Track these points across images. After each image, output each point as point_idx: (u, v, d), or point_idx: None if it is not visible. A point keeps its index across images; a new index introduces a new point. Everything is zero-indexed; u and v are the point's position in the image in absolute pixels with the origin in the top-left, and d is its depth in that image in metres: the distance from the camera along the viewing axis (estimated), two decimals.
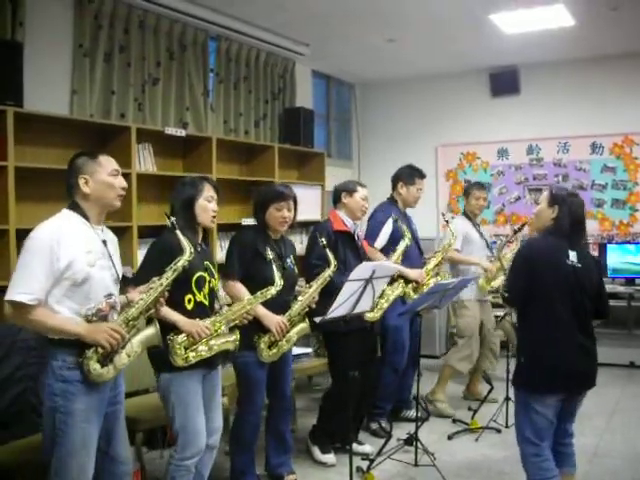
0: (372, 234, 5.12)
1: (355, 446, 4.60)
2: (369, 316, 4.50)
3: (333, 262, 4.02)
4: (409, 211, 5.48)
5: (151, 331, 2.96)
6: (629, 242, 7.65)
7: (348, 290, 3.77)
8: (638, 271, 7.33)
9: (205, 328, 3.27)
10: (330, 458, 4.63)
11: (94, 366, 2.78)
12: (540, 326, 3.35)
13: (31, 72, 4.61)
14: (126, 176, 4.97)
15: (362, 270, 3.85)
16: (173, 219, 3.13)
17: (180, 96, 6.10)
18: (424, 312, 4.72)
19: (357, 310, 3.97)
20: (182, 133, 5.65)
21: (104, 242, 2.96)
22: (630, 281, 7.36)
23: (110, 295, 2.93)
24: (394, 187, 5.40)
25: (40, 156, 4.69)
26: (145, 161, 5.41)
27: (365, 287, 3.86)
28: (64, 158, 4.71)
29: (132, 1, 5.45)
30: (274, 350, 3.88)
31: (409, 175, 5.34)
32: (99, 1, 5.25)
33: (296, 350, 5.45)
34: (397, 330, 5.12)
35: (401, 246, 4.88)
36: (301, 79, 7.80)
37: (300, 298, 3.96)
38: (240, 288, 3.82)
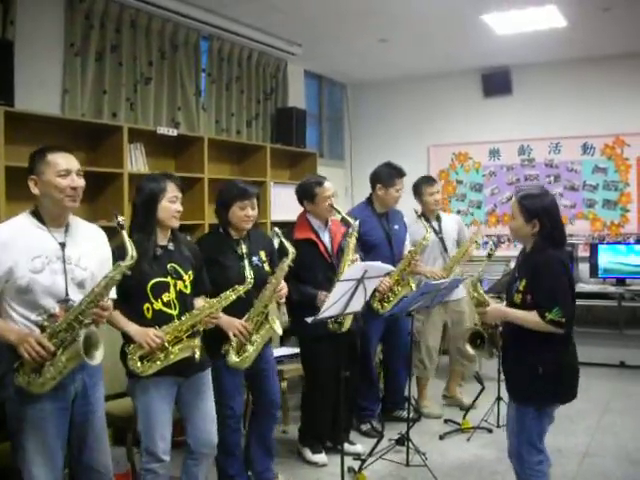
0: None
1: (347, 446, 4.59)
2: (381, 310, 4.58)
3: (291, 249, 3.81)
4: (402, 209, 5.44)
5: (76, 346, 2.70)
6: (620, 242, 7.67)
7: (340, 290, 3.77)
8: (629, 271, 7.35)
9: (155, 337, 3.12)
10: (321, 458, 4.63)
11: (21, 377, 2.73)
12: (561, 338, 3.26)
13: (22, 71, 4.59)
14: (118, 176, 5.04)
15: (354, 270, 3.85)
16: (121, 218, 2.87)
17: (172, 96, 6.09)
18: (415, 312, 4.73)
19: (349, 310, 3.96)
20: (174, 133, 5.64)
21: (62, 245, 2.85)
22: (621, 281, 7.38)
23: (66, 300, 2.81)
24: (372, 188, 5.24)
25: (29, 156, 4.66)
26: (137, 161, 5.40)
27: (357, 287, 3.86)
28: None
29: (124, 0, 5.44)
30: (243, 355, 3.74)
31: (388, 176, 5.14)
32: (90, 0, 5.23)
33: (287, 351, 5.46)
34: (367, 338, 5.08)
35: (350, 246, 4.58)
36: (293, 79, 7.79)
37: (260, 295, 3.76)
38: (199, 302, 3.58)
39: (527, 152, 8.33)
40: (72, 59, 5.15)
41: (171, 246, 3.40)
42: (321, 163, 7.78)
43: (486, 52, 7.61)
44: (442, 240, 5.58)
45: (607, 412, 5.68)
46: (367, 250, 4.85)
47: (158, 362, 3.18)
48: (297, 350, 5.36)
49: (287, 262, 3.78)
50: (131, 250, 2.81)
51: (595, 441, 5.01)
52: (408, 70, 8.49)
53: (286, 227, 4.51)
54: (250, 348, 3.75)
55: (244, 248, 3.88)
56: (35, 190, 2.83)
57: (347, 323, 4.39)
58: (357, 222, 4.52)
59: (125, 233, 2.86)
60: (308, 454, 4.68)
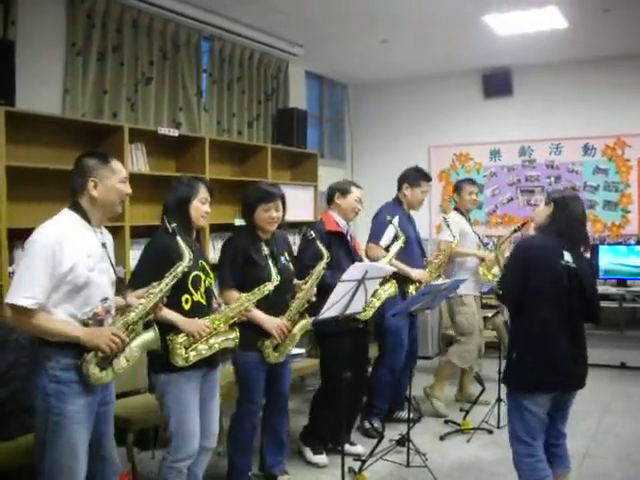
0: (377, 232, 5.12)
1: (347, 447, 4.60)
2: (362, 315, 4.49)
3: (325, 254, 4.04)
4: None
5: (150, 335, 2.96)
6: (621, 243, 7.67)
7: (341, 291, 3.77)
8: (630, 272, 7.35)
9: (204, 327, 3.28)
10: (322, 459, 4.64)
11: (93, 370, 2.78)
12: (532, 324, 3.37)
13: (23, 71, 4.58)
14: None
15: (355, 271, 3.86)
16: (174, 225, 3.17)
17: (173, 96, 6.09)
18: (418, 313, 4.74)
19: (349, 311, 3.97)
20: (175, 133, 5.64)
21: (104, 245, 2.96)
22: (622, 282, 7.39)
23: (106, 299, 2.92)
24: (399, 188, 5.40)
25: (32, 155, 4.67)
26: (138, 161, 5.39)
27: (357, 288, 3.86)
28: (56, 157, 4.76)
29: (125, 1, 5.43)
30: (279, 351, 3.90)
31: (414, 177, 5.34)
32: (92, 0, 5.23)
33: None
34: (397, 330, 5.12)
35: (395, 247, 4.88)
36: (294, 80, 7.79)
37: (297, 295, 3.96)
38: (235, 295, 3.74)
39: (528, 153, 8.33)
40: (73, 59, 5.15)
41: (197, 245, 3.57)
42: (322, 164, 7.77)
43: (487, 53, 7.61)
44: (478, 236, 5.95)
45: (608, 413, 5.69)
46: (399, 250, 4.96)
47: (203, 351, 3.30)
48: (299, 350, 5.38)
49: (322, 265, 4.01)
50: (188, 253, 3.13)
51: (596, 442, 5.01)
52: (409, 71, 8.49)
53: (288, 227, 4.55)
54: (290, 344, 3.95)
55: (271, 248, 3.98)
56: (94, 192, 2.91)
57: (370, 312, 4.52)
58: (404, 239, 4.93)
59: (179, 238, 3.15)
60: (309, 454, 4.68)
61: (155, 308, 3.00)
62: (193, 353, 3.27)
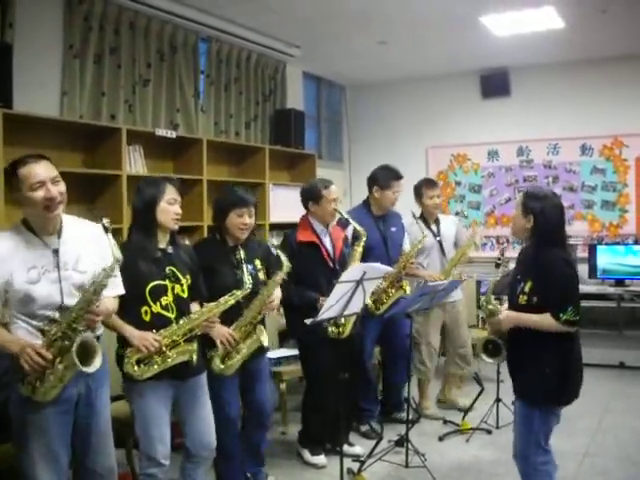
0: None
1: (346, 448, 4.59)
2: (377, 312, 4.55)
3: (285, 264, 3.81)
4: (400, 211, 5.45)
5: (70, 356, 2.66)
6: (619, 243, 7.67)
7: (339, 292, 3.77)
8: (627, 272, 7.36)
9: (153, 341, 3.13)
10: (320, 459, 4.63)
11: (23, 388, 2.73)
12: (566, 338, 3.28)
13: (21, 73, 4.59)
14: (116, 178, 5.05)
15: (353, 272, 3.85)
16: (105, 220, 2.80)
17: (171, 97, 6.09)
18: (414, 314, 4.73)
19: (348, 312, 3.96)
20: (172, 135, 5.65)
21: (55, 252, 2.83)
22: (620, 282, 7.39)
23: (61, 308, 2.79)
24: (369, 190, 5.26)
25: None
26: (135, 163, 5.40)
27: (356, 288, 3.86)
28: (54, 160, 4.71)
29: (122, 2, 5.44)
30: (228, 363, 3.73)
31: (384, 179, 5.16)
32: (89, 2, 5.24)
33: (285, 352, 5.45)
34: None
35: (357, 249, 4.66)
36: (292, 81, 7.80)
37: (251, 305, 3.76)
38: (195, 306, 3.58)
39: (526, 153, 8.34)
40: (71, 61, 5.15)
41: (170, 249, 3.39)
42: (320, 165, 7.78)
43: (484, 53, 7.62)
44: (440, 243, 5.56)
45: (607, 413, 5.68)
46: (363, 252, 4.80)
47: (155, 366, 3.18)
48: (296, 352, 5.36)
49: (281, 275, 3.79)
50: (116, 252, 2.76)
51: (595, 442, 5.01)
52: (407, 72, 8.50)
53: (285, 229, 4.52)
54: (236, 357, 3.74)
55: (241, 255, 3.86)
56: (18, 203, 2.83)
57: (347, 329, 4.39)
58: (364, 231, 4.63)
59: (110, 235, 2.79)
60: (307, 455, 4.68)
61: (81, 319, 2.73)
62: (146, 367, 3.16)
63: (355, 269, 3.89)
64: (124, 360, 3.16)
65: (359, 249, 4.57)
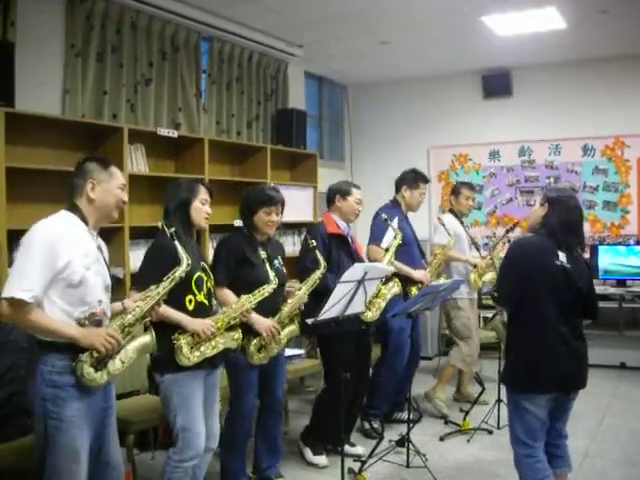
0: (378, 234, 5.10)
1: (347, 448, 4.60)
2: (369, 316, 4.49)
3: (323, 264, 4.06)
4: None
5: (147, 339, 2.96)
6: (620, 244, 7.67)
7: (340, 291, 3.77)
8: (629, 273, 7.36)
9: (210, 326, 3.33)
10: (322, 459, 4.63)
11: (87, 370, 2.76)
12: (530, 325, 3.36)
13: (23, 72, 4.59)
14: None
15: (354, 271, 3.85)
16: (173, 229, 3.16)
17: (172, 97, 6.09)
18: (418, 313, 4.74)
19: (349, 311, 3.96)
20: (174, 134, 5.64)
21: (99, 248, 2.97)
22: (621, 283, 7.39)
23: (100, 301, 2.91)
24: (397, 190, 5.40)
25: (32, 156, 4.67)
26: (137, 162, 5.40)
27: (357, 288, 3.86)
28: (56, 158, 4.76)
29: (124, 1, 5.44)
30: (263, 353, 3.88)
31: (413, 179, 5.34)
32: (91, 1, 5.24)
33: (288, 352, 5.43)
34: (400, 331, 5.12)
35: (393, 246, 4.84)
36: (294, 80, 7.80)
37: (290, 300, 3.97)
38: (227, 293, 3.82)
39: (527, 153, 8.33)
40: (73, 60, 5.15)
41: (197, 247, 3.61)
42: (321, 164, 7.78)
43: (486, 54, 7.62)
44: (471, 240, 5.86)
45: (608, 413, 5.69)
46: (399, 249, 4.91)
47: (208, 351, 3.35)
48: (298, 351, 5.39)
49: (318, 274, 4.03)
50: (186, 258, 3.11)
51: (596, 443, 5.01)
52: (408, 72, 8.50)
53: (286, 228, 4.54)
54: (275, 347, 3.92)
55: (267, 251, 3.98)
56: (92, 194, 2.92)
57: (377, 313, 4.54)
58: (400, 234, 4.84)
59: (178, 242, 3.14)
60: (309, 455, 4.68)
61: (152, 311, 3.00)
62: (197, 353, 3.31)
63: (356, 269, 3.89)
64: (175, 346, 3.25)
65: (392, 249, 4.79)
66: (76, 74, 5.16)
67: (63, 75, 5.13)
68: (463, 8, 6.00)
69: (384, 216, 4.92)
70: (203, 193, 3.53)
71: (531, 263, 3.36)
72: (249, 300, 3.58)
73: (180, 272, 3.08)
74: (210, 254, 5.63)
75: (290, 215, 6.36)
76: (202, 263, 3.49)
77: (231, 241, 4.03)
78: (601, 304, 6.97)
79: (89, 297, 2.84)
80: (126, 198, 3.06)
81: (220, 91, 6.66)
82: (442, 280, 5.03)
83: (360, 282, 3.85)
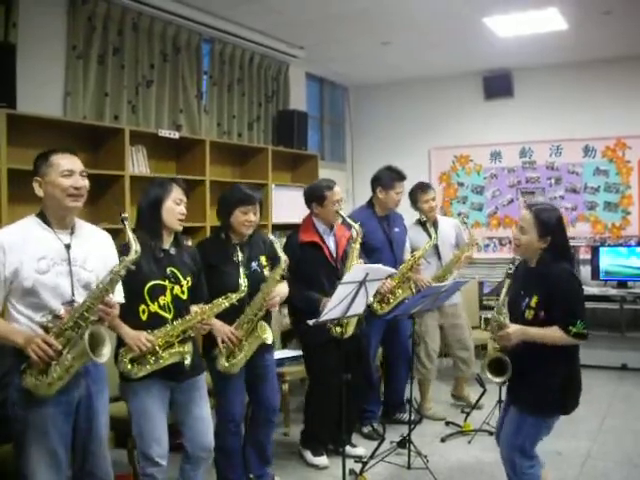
0: None
1: (348, 449, 4.59)
2: (380, 311, 4.55)
3: (283, 257, 3.79)
4: (402, 213, 5.46)
5: (82, 346, 2.69)
6: (621, 245, 7.66)
7: (341, 293, 3.77)
8: (630, 274, 7.35)
9: (146, 341, 3.13)
10: (322, 460, 4.63)
11: (28, 378, 2.72)
12: (572, 349, 3.30)
13: (24, 74, 4.60)
14: (120, 178, 5.05)
15: (355, 273, 3.85)
16: (125, 214, 2.91)
17: (174, 98, 6.09)
18: (416, 315, 4.73)
19: (351, 312, 3.96)
20: (176, 135, 5.65)
21: (67, 246, 2.87)
22: (622, 284, 7.38)
23: (71, 302, 2.82)
24: (373, 190, 5.25)
25: (33, 158, 4.65)
26: (138, 163, 5.40)
27: (359, 289, 3.86)
28: None
29: (126, 3, 5.44)
30: (232, 361, 3.74)
31: (388, 179, 5.15)
32: (93, 3, 5.24)
33: (288, 353, 5.45)
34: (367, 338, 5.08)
35: (353, 249, 4.58)
36: (295, 82, 7.80)
37: (251, 303, 3.76)
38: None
39: (528, 154, 8.33)
40: (74, 62, 5.16)
41: (173, 250, 3.40)
42: (322, 166, 7.78)
43: (487, 55, 7.62)
44: (437, 247, 5.52)
45: (609, 415, 5.68)
46: (369, 253, 4.82)
47: (148, 366, 3.19)
48: (299, 352, 5.36)
49: (279, 271, 3.80)
50: (135, 245, 2.83)
51: (597, 444, 5.01)
52: (410, 73, 8.50)
53: (287, 229, 4.51)
54: (239, 354, 3.75)
55: (243, 254, 3.86)
56: (39, 192, 2.85)
57: (350, 329, 4.40)
58: (360, 227, 4.54)
59: (129, 229, 2.88)
60: (309, 456, 4.68)
61: (95, 311, 2.76)
62: (139, 366, 3.18)
63: (358, 270, 3.89)
64: (118, 359, 3.18)
65: (356, 246, 4.52)
66: (77, 76, 5.17)
67: (64, 77, 5.14)
68: (464, 9, 6.01)
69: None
70: (177, 192, 3.37)
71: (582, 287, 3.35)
72: (204, 311, 3.32)
73: (126, 263, 2.78)
74: None
75: (291, 216, 6.39)
76: (170, 269, 3.31)
77: (202, 248, 3.83)
78: (602, 305, 7.10)
79: (48, 301, 2.78)
80: (76, 183, 2.86)
81: (221, 92, 6.67)
82: (412, 287, 5.01)
83: (361, 283, 3.85)
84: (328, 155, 9.00)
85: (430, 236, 5.38)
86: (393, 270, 4.54)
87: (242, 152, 6.74)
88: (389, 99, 9.05)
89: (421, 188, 5.61)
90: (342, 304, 3.82)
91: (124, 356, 3.16)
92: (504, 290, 3.44)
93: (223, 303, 3.41)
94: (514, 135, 8.31)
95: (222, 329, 3.70)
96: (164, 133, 5.54)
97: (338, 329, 4.25)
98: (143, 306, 3.23)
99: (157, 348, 3.19)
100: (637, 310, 7.27)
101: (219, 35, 6.42)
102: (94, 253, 2.98)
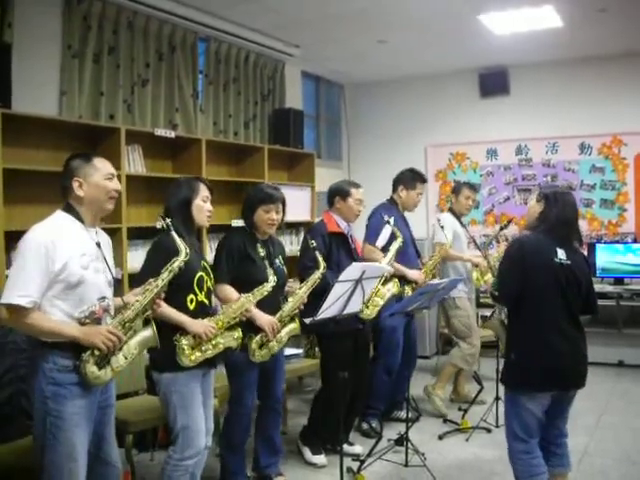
0: (373, 233, 5.09)
1: (346, 447, 4.59)
2: (366, 313, 4.51)
3: (322, 264, 4.05)
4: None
5: (148, 333, 2.97)
6: (618, 242, 7.68)
7: (338, 291, 3.78)
8: (627, 271, 7.37)
9: (211, 327, 3.33)
10: (321, 459, 4.64)
11: (91, 369, 2.78)
12: (530, 324, 3.37)
13: (20, 73, 4.59)
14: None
15: (352, 271, 3.86)
16: (168, 220, 3.15)
17: (169, 97, 6.09)
18: (415, 312, 4.74)
19: (347, 311, 3.97)
20: (172, 134, 5.64)
21: (98, 244, 2.96)
22: (619, 281, 7.40)
23: (103, 298, 2.93)
24: (394, 189, 5.40)
25: (29, 158, 4.67)
26: (134, 162, 5.39)
27: (355, 288, 3.87)
28: (53, 160, 4.76)
29: (121, 2, 5.43)
30: (265, 350, 3.87)
31: (411, 179, 5.34)
32: (88, 2, 5.23)
33: (286, 351, 5.43)
34: (392, 330, 5.12)
35: (394, 246, 4.84)
36: (291, 80, 7.79)
37: (290, 299, 3.97)
38: (228, 290, 3.82)
39: (524, 152, 8.34)
40: (69, 61, 5.14)
41: (198, 246, 3.61)
42: (319, 164, 7.78)
43: (483, 52, 7.62)
44: (471, 239, 5.93)
45: (606, 411, 5.69)
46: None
47: (209, 352, 3.35)
48: (297, 351, 5.38)
49: (318, 274, 4.00)
50: (184, 248, 3.11)
51: (594, 440, 5.02)
52: (406, 71, 8.50)
53: (286, 228, 4.53)
54: (275, 344, 3.90)
55: (267, 250, 4.02)
56: (80, 192, 2.91)
57: (374, 311, 4.54)
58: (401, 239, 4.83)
59: (174, 233, 3.13)
60: (308, 454, 4.68)
61: (152, 304, 3.00)
62: (198, 354, 3.31)
63: (354, 268, 3.90)
64: (177, 348, 3.25)
65: (393, 249, 4.78)
66: (73, 75, 5.16)
67: (60, 76, 5.12)
68: (460, 7, 6.00)
69: (386, 218, 4.87)
70: (204, 190, 3.52)
71: (530, 261, 3.37)
72: (248, 299, 3.57)
73: (179, 263, 3.07)
74: (207, 254, 5.66)
75: (287, 215, 6.38)
76: (203, 263, 3.49)
77: (233, 238, 4.01)
78: (599, 302, 7.03)
79: (88, 296, 2.85)
80: (118, 187, 3.03)
81: (217, 91, 6.66)
82: (437, 280, 5.02)
83: (358, 281, 3.85)
84: (324, 153, 8.99)
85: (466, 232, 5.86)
86: (389, 268, 4.56)
87: (238, 151, 6.73)
88: (385, 97, 9.05)
89: (468, 186, 6.07)
90: (338, 302, 3.84)
91: (182, 343, 3.26)
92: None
93: (263, 292, 3.65)
94: (510, 132, 8.32)
95: (267, 318, 3.85)
96: (160, 132, 5.53)
97: (367, 312, 4.45)
98: (192, 296, 3.37)
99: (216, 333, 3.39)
100: (634, 307, 7.29)
101: (215, 34, 6.42)
102: (108, 253, 3.10)
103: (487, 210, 8.55)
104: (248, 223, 4.04)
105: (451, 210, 5.96)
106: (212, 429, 3.60)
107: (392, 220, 4.87)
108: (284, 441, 4.99)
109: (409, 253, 5.19)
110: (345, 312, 3.97)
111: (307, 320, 3.81)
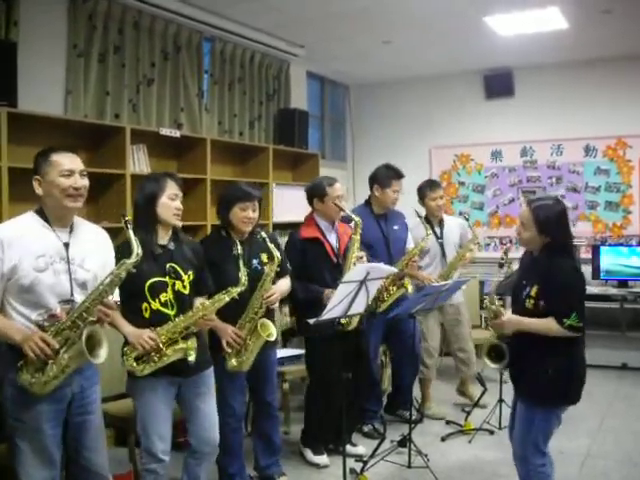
0: None
1: (348, 448, 4.58)
2: (377, 310, 4.55)
3: (276, 254, 3.82)
4: (403, 210, 5.45)
5: (78, 346, 2.71)
6: (622, 244, 7.67)
7: (342, 292, 3.77)
8: (631, 273, 7.35)
9: (148, 339, 3.13)
10: (323, 459, 4.64)
11: (24, 376, 2.73)
12: (573, 339, 3.29)
13: (25, 72, 4.60)
14: (120, 177, 5.05)
15: (356, 272, 3.85)
16: (127, 217, 2.91)
17: (174, 97, 6.09)
18: (418, 314, 4.72)
19: (352, 312, 3.96)
20: (177, 134, 5.64)
21: (66, 245, 2.87)
22: (623, 283, 7.38)
23: (68, 301, 2.83)
24: (370, 188, 5.28)
25: (34, 156, 4.66)
26: (139, 162, 5.39)
27: (359, 289, 3.86)
28: None
29: (127, 2, 5.44)
30: (240, 360, 3.78)
31: (385, 177, 5.17)
32: (93, 1, 5.23)
33: (288, 352, 5.45)
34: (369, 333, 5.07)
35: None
36: (296, 80, 7.79)
37: (250, 302, 3.80)
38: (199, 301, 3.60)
39: (529, 154, 8.33)
40: (75, 60, 5.15)
41: (172, 245, 3.39)
42: (323, 164, 7.78)
43: (488, 53, 7.61)
44: (442, 245, 5.58)
45: (609, 414, 5.68)
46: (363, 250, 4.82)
47: (152, 363, 3.20)
48: (299, 351, 5.36)
49: (272, 267, 3.81)
50: (136, 248, 2.81)
51: (597, 443, 5.01)
52: (410, 71, 8.50)
53: (288, 229, 4.51)
54: (245, 354, 3.78)
55: (243, 251, 3.86)
56: (39, 190, 2.85)
57: (354, 321, 4.41)
58: (359, 219, 4.48)
59: (131, 231, 2.86)
60: (310, 455, 4.68)
61: (93, 311, 2.76)
62: (144, 364, 3.19)
63: (359, 269, 3.89)
64: (123, 359, 3.20)
65: (357, 237, 4.48)
66: (78, 74, 5.17)
67: (65, 75, 5.13)
68: (465, 8, 6.00)
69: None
70: (172, 187, 3.34)
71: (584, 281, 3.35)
72: (205, 307, 3.30)
73: (126, 266, 2.77)
74: None
75: (291, 215, 6.39)
76: (169, 265, 3.29)
77: (203, 245, 3.80)
78: (603, 305, 7.10)
79: (44, 299, 2.78)
80: (76, 183, 2.85)
81: (222, 91, 6.66)
82: (408, 286, 4.97)
83: (362, 282, 3.84)
84: (329, 154, 9.00)
85: (436, 236, 5.46)
86: (395, 269, 4.53)
87: (243, 151, 6.74)
88: (390, 98, 9.04)
89: (430, 185, 5.66)
90: (343, 303, 3.82)
91: (129, 354, 3.17)
92: (494, 279, 3.48)
93: (224, 298, 3.35)
94: (515, 134, 8.31)
95: (226, 330, 3.73)
96: (165, 132, 5.54)
97: (343, 320, 4.26)
98: (145, 304, 3.24)
99: (161, 345, 3.18)
100: (637, 309, 7.27)
101: (220, 34, 6.42)
102: (93, 252, 2.98)
103: (491, 212, 8.54)
104: (224, 223, 3.95)
105: (425, 217, 5.50)
106: (215, 436, 3.50)
107: (357, 217, 4.54)
108: (287, 441, 5.00)
109: (377, 255, 4.90)
110: (350, 313, 3.96)
111: (310, 320, 3.79)
